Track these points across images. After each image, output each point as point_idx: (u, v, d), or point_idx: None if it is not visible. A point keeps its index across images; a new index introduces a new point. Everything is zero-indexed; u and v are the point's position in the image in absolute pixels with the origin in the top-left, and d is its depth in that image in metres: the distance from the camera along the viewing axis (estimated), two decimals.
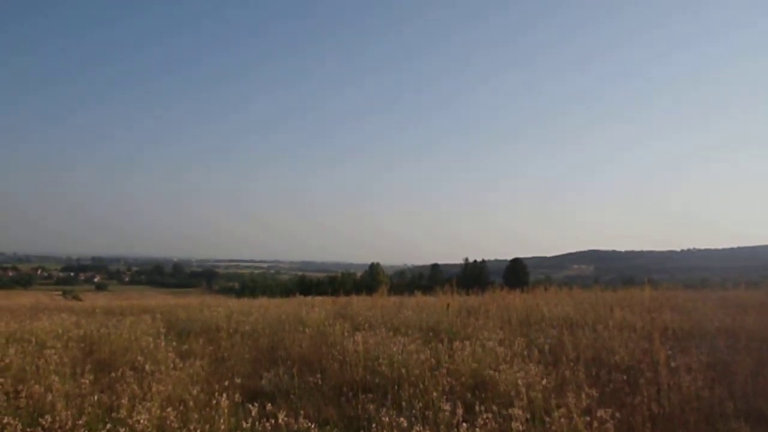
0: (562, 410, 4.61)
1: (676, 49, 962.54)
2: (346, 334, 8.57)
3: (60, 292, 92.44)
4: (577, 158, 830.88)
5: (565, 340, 7.77)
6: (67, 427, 4.50)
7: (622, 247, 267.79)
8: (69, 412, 4.79)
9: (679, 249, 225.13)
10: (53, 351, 7.26)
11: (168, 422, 4.59)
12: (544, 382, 5.58)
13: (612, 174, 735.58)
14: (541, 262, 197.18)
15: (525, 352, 7.09)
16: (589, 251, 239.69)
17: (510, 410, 4.57)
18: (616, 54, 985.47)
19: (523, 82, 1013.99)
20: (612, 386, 5.73)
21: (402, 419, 4.43)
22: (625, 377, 5.86)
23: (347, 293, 23.84)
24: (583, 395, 4.88)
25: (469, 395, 5.70)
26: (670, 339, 7.83)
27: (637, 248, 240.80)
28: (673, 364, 5.97)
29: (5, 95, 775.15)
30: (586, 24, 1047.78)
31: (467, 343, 7.18)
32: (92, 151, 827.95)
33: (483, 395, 5.64)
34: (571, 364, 6.53)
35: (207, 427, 4.58)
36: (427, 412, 5.06)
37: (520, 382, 5.48)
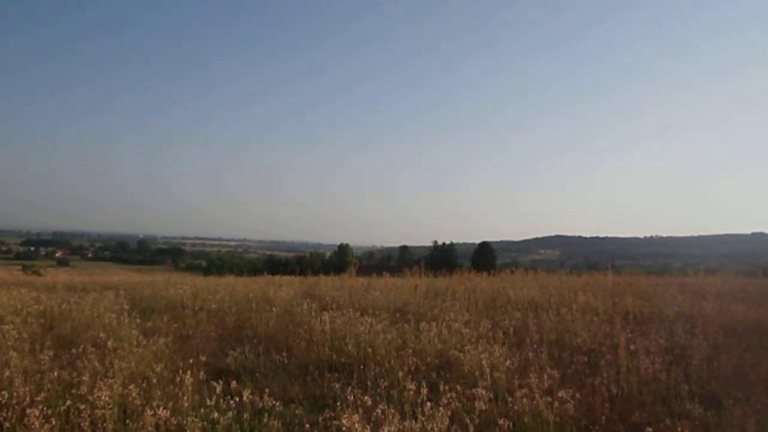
0: (525, 390, 4.69)
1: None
2: (313, 313, 8.56)
3: (20, 267, 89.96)
4: (544, 144, 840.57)
5: (529, 323, 7.91)
6: (25, 403, 4.39)
7: (587, 233, 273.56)
8: (27, 388, 4.68)
9: (642, 236, 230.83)
10: (11, 326, 7.07)
11: (130, 399, 4.53)
12: (507, 363, 5.68)
13: (577, 161, 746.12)
14: (508, 246, 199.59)
15: (490, 334, 7.20)
16: (556, 236, 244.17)
17: (474, 390, 4.64)
18: (569, 45, 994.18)
19: (489, 70, 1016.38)
20: (573, 368, 5.87)
21: (367, 398, 4.45)
22: (586, 359, 6.01)
23: (315, 273, 23.79)
24: (546, 376, 4.98)
25: (434, 375, 5.79)
26: (630, 323, 8.05)
27: (601, 234, 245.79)
28: (632, 347, 6.14)
29: None
30: (540, 18, 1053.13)
31: (434, 324, 7.25)
32: (64, 126, 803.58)
33: (448, 375, 5.73)
34: (535, 346, 6.68)
35: (170, 404, 4.52)
36: (392, 392, 5.10)
37: (484, 362, 5.56)
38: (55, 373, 5.18)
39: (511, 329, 7.70)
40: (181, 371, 5.03)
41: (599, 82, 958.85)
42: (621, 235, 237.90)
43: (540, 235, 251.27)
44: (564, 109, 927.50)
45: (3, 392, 4.48)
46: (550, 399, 4.48)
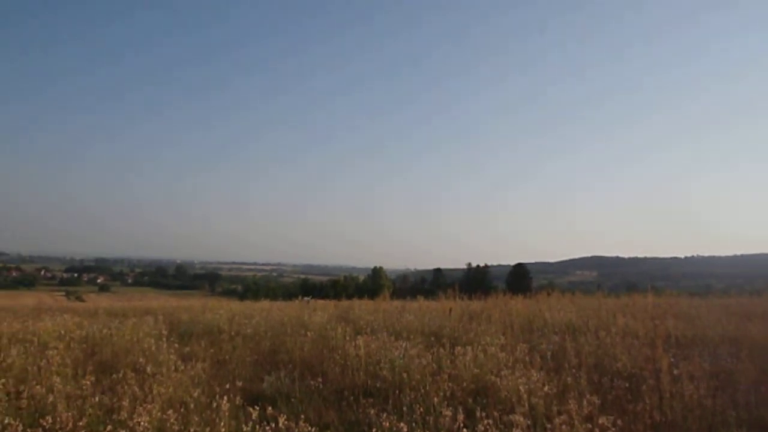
0: (564, 417, 4.58)
1: (676, 60, 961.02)
2: (347, 338, 8.55)
3: (63, 293, 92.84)
4: (582, 164, 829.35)
5: (567, 347, 7.75)
6: (68, 428, 4.50)
7: (625, 253, 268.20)
8: (70, 414, 4.78)
9: (683, 256, 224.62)
10: (55, 352, 7.26)
11: (168, 424, 4.58)
12: (546, 388, 5.55)
13: (616, 180, 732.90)
14: (544, 267, 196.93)
15: (527, 358, 7.07)
16: (593, 257, 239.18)
17: (511, 416, 4.56)
18: (621, 62, 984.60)
19: (527, 88, 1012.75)
20: (614, 393, 5.72)
21: (402, 424, 4.41)
22: (627, 384, 5.85)
23: (349, 297, 23.88)
24: (585, 402, 4.86)
25: (470, 401, 5.69)
26: (672, 346, 7.80)
27: (640, 255, 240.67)
28: (675, 372, 5.94)
29: (8, 94, 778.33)
30: (592, 30, 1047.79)
31: (469, 348, 7.16)
32: (97, 152, 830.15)
33: (484, 401, 5.63)
34: (573, 370, 6.51)
35: (207, 429, 4.57)
36: (428, 417, 5.04)
37: (521, 388, 5.46)
38: (97, 398, 5.30)
39: (549, 353, 7.54)
40: (217, 396, 5.08)
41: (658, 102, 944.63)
42: (660, 255, 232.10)
43: (576, 256, 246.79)
44: (610, 131, 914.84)
45: (47, 417, 4.59)
46: (590, 426, 4.36)
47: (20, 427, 4.46)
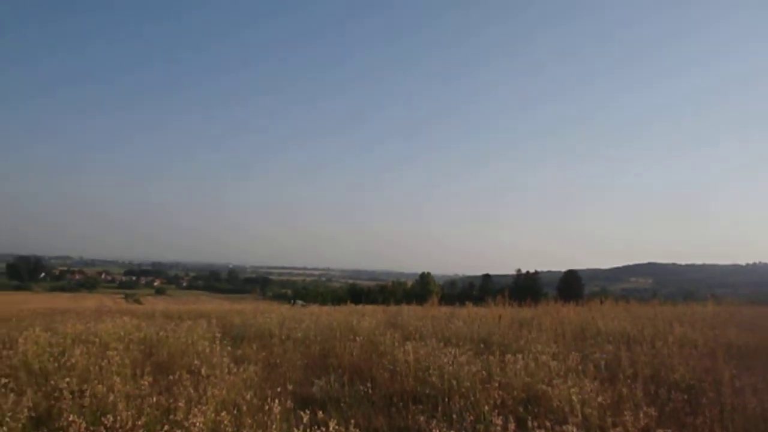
0: (619, 429, 4.48)
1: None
2: (396, 343, 8.57)
3: (122, 296, 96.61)
4: (636, 168, 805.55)
5: (621, 356, 7.55)
6: (128, 427, 4.67)
7: (682, 260, 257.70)
8: (129, 413, 4.97)
9: (744, 263, 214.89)
10: (115, 352, 7.54)
11: (222, 426, 4.71)
12: (599, 398, 5.44)
13: (673, 184, 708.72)
14: (596, 274, 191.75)
15: (580, 367, 6.93)
16: (647, 264, 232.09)
17: (564, 427, 4.48)
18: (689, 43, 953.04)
19: (607, 93, 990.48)
20: (671, 405, 5.53)
21: None
22: (685, 396, 5.65)
23: (397, 302, 23.96)
24: (641, 414, 4.73)
25: (521, 410, 5.61)
26: (734, 357, 7.49)
27: (698, 261, 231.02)
28: (737, 384, 5.71)
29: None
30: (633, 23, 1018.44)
31: (519, 356, 7.07)
32: (163, 166, 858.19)
33: (536, 410, 5.54)
34: (629, 381, 6.34)
35: None
36: (478, 426, 5.01)
37: (574, 397, 5.36)
38: (154, 399, 5.48)
39: (602, 363, 7.36)
40: (269, 399, 5.19)
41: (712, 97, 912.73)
42: (720, 262, 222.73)
43: (630, 263, 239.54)
44: (661, 131, 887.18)
45: (108, 416, 4.79)
46: None
47: (83, 425, 4.67)
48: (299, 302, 23.18)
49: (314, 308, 19.25)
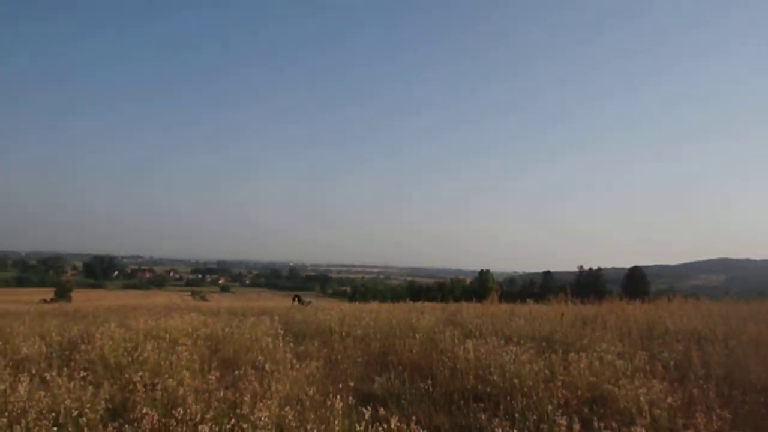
0: (690, 431, 4.30)
1: None
2: (456, 341, 8.51)
3: (189, 293, 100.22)
4: (704, 160, 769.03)
5: (692, 356, 7.25)
6: (197, 420, 4.84)
7: (757, 255, 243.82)
8: (198, 406, 5.16)
9: None
10: (184, 348, 7.85)
11: (287, 421, 4.81)
12: (669, 400, 5.23)
13: (746, 176, 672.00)
14: (663, 270, 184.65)
15: (647, 367, 6.69)
16: (719, 259, 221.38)
17: (632, 428, 4.35)
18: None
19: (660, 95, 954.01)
20: (747, 408, 5.27)
21: (515, 431, 4.33)
22: (762, 399, 5.38)
23: (456, 300, 23.75)
24: (714, 417, 4.52)
25: (586, 410, 5.46)
26: None
27: None
28: None
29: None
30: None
31: (583, 355, 6.90)
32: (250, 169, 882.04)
33: (601, 411, 5.39)
34: (700, 381, 6.07)
35: (323, 427, 4.75)
36: (541, 426, 4.92)
37: (642, 398, 5.19)
38: (221, 393, 5.67)
39: (672, 362, 7.07)
40: (331, 395, 5.26)
41: None
42: None
43: (700, 258, 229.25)
44: (743, 123, 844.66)
45: (179, 409, 4.98)
46: None
47: (156, 417, 4.88)
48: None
49: (374, 305, 19.35)
